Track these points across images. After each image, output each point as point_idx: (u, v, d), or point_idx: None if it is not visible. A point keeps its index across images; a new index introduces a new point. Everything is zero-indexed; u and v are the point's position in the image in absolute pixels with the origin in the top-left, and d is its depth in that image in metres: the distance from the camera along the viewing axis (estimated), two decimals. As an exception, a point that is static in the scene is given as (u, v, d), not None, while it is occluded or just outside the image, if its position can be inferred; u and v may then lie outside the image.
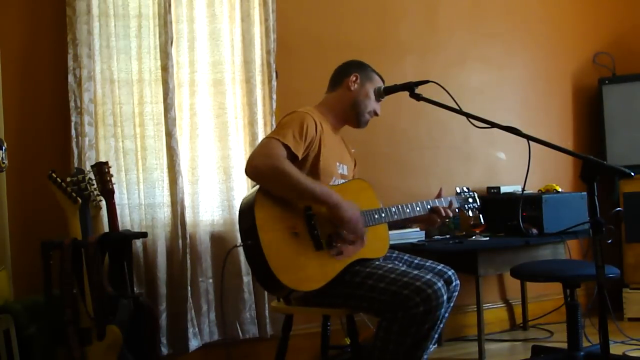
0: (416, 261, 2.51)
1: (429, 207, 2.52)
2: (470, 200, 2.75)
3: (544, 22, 4.20)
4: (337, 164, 2.46)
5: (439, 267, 2.46)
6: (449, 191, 2.90)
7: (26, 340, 2.48)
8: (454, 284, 2.41)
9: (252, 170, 2.17)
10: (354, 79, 2.50)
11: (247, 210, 2.17)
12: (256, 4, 3.23)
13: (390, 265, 2.25)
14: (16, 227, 2.77)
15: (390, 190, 3.41)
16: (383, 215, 2.40)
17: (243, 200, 2.27)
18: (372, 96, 2.51)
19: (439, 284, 2.14)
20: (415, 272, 2.19)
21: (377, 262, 2.29)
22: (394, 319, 2.12)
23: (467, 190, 2.77)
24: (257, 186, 2.22)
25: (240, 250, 3.09)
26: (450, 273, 2.44)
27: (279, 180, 2.14)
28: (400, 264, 2.45)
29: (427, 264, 2.49)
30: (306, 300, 2.31)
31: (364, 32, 3.61)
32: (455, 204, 2.66)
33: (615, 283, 3.83)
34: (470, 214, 2.74)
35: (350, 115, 2.52)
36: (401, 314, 2.10)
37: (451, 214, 2.54)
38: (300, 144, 2.25)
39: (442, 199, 2.58)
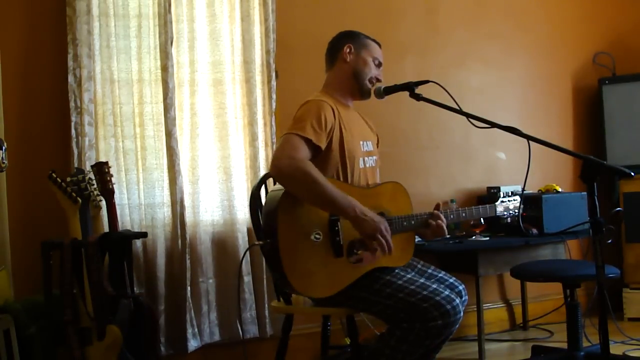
0: (429, 271, 2.47)
1: (463, 214, 2.47)
2: (511, 207, 2.64)
3: (544, 22, 4.20)
4: (361, 142, 2.41)
5: (451, 280, 2.44)
6: (450, 191, 2.89)
7: (26, 340, 2.48)
8: (462, 298, 2.39)
9: (277, 172, 2.11)
10: (348, 50, 2.45)
11: (271, 209, 2.14)
12: (256, 4, 3.23)
13: (409, 276, 2.23)
14: (16, 227, 2.77)
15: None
16: (412, 222, 2.32)
17: (268, 195, 2.24)
18: (371, 63, 2.45)
19: (457, 301, 2.15)
20: (435, 286, 2.17)
21: (396, 271, 2.26)
22: (410, 330, 2.11)
23: (510, 195, 2.66)
24: None
25: (241, 250, 3.11)
26: (460, 288, 2.42)
27: (303, 186, 2.09)
28: (414, 273, 2.41)
29: (440, 275, 2.46)
30: (320, 299, 2.26)
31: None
32: (496, 212, 2.58)
33: (615, 283, 3.83)
34: (509, 220, 2.67)
35: (353, 87, 2.46)
36: (419, 326, 2.09)
37: (445, 233, 2.41)
38: (321, 135, 2.20)
39: (474, 208, 2.51)
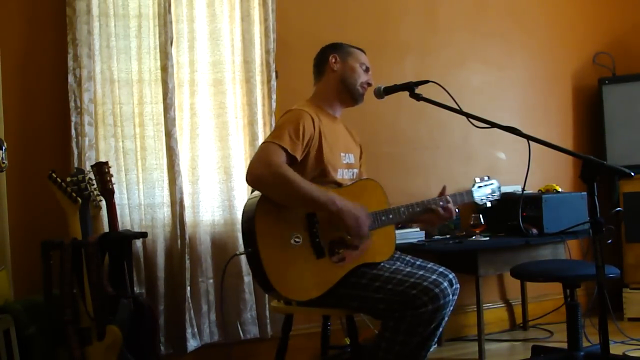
0: (418, 263, 2.49)
1: (433, 206, 2.47)
2: (489, 191, 2.64)
3: (544, 22, 4.20)
4: (341, 154, 2.43)
5: (440, 270, 2.44)
6: (450, 191, 2.87)
7: (26, 340, 2.48)
8: (454, 287, 2.40)
9: (253, 178, 2.14)
10: (334, 60, 2.49)
11: (249, 217, 2.16)
12: (256, 3, 3.23)
13: (394, 267, 2.24)
14: (16, 227, 2.77)
15: (391, 190, 3.35)
16: (391, 216, 2.35)
17: (246, 204, 2.25)
18: (359, 69, 2.49)
19: (445, 284, 2.16)
20: (421, 272, 2.19)
21: (381, 264, 2.27)
22: (402, 319, 2.12)
23: (487, 179, 2.66)
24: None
25: (241, 250, 3.10)
26: (451, 276, 2.41)
27: (281, 189, 2.12)
28: (399, 263, 2.44)
29: (429, 265, 2.47)
30: (310, 301, 2.27)
31: (364, 32, 3.60)
32: (473, 197, 2.58)
33: (615, 283, 3.83)
34: (489, 204, 2.64)
35: (343, 94, 2.49)
36: (410, 313, 2.11)
37: (453, 214, 2.44)
38: (297, 144, 2.22)
39: (450, 195, 2.50)
